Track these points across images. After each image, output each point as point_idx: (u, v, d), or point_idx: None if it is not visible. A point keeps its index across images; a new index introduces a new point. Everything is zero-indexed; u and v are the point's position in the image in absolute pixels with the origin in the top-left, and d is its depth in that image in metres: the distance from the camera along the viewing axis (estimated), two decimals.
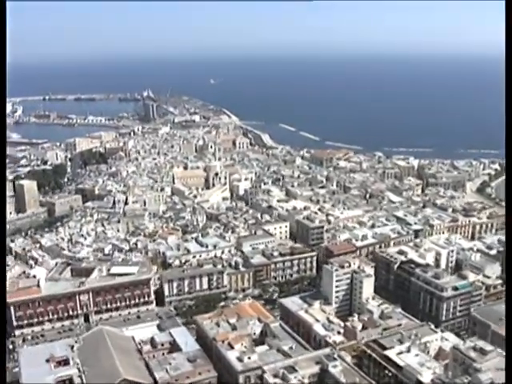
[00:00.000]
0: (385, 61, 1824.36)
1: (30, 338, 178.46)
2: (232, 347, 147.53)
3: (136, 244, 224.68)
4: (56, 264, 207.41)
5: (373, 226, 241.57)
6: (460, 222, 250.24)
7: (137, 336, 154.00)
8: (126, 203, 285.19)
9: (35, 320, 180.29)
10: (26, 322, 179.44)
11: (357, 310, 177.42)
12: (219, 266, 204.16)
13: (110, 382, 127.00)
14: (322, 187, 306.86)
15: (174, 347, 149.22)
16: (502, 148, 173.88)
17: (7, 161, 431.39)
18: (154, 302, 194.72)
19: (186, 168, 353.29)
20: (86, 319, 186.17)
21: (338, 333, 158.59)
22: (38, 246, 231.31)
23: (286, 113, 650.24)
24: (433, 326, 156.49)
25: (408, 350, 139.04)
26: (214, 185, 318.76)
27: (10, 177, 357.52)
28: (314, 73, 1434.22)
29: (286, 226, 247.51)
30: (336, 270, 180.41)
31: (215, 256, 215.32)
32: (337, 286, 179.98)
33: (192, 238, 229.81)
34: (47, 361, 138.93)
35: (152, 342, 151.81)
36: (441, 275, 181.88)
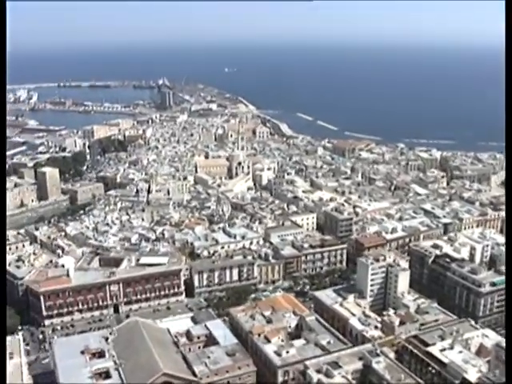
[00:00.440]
0: (399, 50, 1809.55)
1: (59, 328, 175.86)
2: (269, 341, 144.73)
3: (163, 234, 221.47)
4: (83, 253, 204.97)
5: (400, 219, 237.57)
6: (489, 215, 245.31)
7: (171, 328, 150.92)
8: (148, 192, 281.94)
9: (65, 310, 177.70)
10: (55, 311, 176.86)
11: (391, 305, 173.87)
12: (249, 258, 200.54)
13: (150, 376, 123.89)
14: (347, 178, 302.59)
15: (211, 340, 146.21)
16: None
17: (25, 147, 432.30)
18: (184, 293, 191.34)
19: (207, 157, 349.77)
20: (116, 310, 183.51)
21: (375, 327, 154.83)
22: (63, 234, 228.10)
23: (302, 102, 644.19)
24: (473, 322, 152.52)
25: (451, 347, 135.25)
26: (237, 174, 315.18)
27: (29, 164, 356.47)
28: (330, 62, 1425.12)
29: (313, 218, 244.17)
30: (371, 264, 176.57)
31: (243, 247, 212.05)
32: (372, 280, 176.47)
33: (219, 228, 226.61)
34: (82, 352, 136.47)
35: (188, 334, 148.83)
36: (478, 270, 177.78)
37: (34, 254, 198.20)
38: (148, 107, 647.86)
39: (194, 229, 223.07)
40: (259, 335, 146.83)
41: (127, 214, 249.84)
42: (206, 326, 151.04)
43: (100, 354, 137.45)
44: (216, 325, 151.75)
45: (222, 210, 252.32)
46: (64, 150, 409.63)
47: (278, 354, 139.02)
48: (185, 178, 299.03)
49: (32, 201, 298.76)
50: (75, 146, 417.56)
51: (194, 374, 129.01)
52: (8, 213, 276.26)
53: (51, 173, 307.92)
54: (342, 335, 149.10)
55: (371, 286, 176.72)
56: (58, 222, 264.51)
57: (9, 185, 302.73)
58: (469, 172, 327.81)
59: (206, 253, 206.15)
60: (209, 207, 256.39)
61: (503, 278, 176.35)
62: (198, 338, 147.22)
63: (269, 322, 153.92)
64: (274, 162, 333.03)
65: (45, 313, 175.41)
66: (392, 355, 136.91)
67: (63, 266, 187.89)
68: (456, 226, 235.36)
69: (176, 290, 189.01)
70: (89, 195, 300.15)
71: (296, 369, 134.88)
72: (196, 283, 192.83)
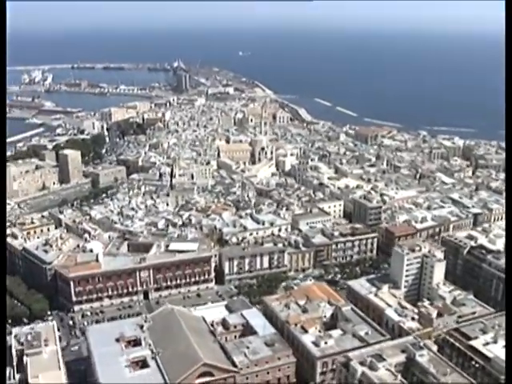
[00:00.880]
0: (415, 36, 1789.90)
1: (89, 313, 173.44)
2: (306, 331, 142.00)
3: (189, 219, 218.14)
4: (109, 237, 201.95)
5: (429, 208, 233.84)
6: None
7: (206, 317, 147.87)
8: (172, 176, 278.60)
9: (94, 296, 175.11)
10: (85, 297, 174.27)
11: (426, 296, 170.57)
12: (280, 245, 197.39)
13: (189, 366, 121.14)
14: (372, 166, 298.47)
15: (248, 330, 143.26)
16: None
17: (42, 129, 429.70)
18: (214, 280, 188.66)
19: (228, 141, 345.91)
20: (146, 296, 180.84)
21: (412, 319, 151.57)
22: (87, 218, 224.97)
23: (320, 87, 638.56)
24: None
25: (495, 341, 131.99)
26: (260, 159, 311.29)
27: (49, 146, 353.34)
28: (345, 47, 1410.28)
29: (340, 205, 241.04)
30: (407, 254, 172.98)
31: (272, 234, 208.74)
32: (407, 270, 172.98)
33: (246, 214, 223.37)
34: (117, 340, 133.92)
35: (224, 323, 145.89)
36: None
37: (61, 238, 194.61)
38: (164, 90, 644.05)
39: (221, 215, 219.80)
40: (296, 325, 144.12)
41: (152, 198, 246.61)
42: (242, 314, 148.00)
43: (135, 342, 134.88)
44: (252, 314, 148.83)
45: (248, 196, 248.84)
46: (82, 132, 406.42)
47: (316, 344, 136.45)
48: (208, 163, 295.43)
49: (54, 183, 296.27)
50: (93, 128, 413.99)
51: (234, 365, 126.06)
52: (30, 195, 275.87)
53: (73, 155, 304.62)
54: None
55: (406, 276, 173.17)
56: (81, 205, 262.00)
57: (30, 167, 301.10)
58: (494, 161, 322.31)
59: (234, 239, 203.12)
60: (234, 193, 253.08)
61: None
62: (235, 327, 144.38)
63: (304, 311, 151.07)
64: (296, 148, 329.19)
65: (74, 298, 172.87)
66: (434, 348, 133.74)
67: (91, 250, 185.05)
68: (486, 217, 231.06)
69: (206, 276, 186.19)
70: (111, 178, 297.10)
71: (335, 360, 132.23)
72: (226, 270, 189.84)
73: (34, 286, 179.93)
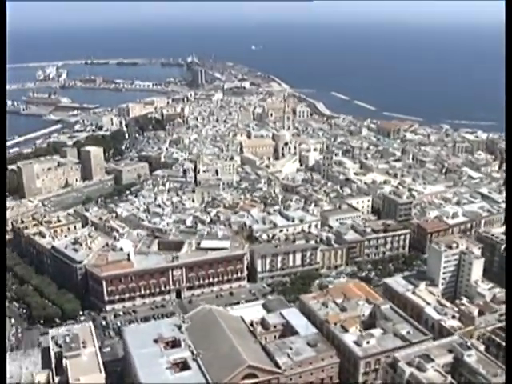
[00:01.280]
0: (428, 30, 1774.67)
1: (121, 313, 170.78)
2: (346, 330, 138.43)
3: (218, 216, 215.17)
4: (137, 235, 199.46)
5: (458, 203, 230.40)
6: None
7: (244, 316, 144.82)
8: (196, 172, 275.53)
9: (127, 295, 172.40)
10: (117, 297, 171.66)
11: (463, 293, 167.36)
12: (312, 242, 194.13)
13: (233, 369, 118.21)
14: (397, 160, 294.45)
15: (287, 329, 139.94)
16: None
17: (60, 126, 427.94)
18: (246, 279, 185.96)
19: (249, 136, 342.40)
20: (178, 295, 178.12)
21: (453, 317, 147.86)
22: (114, 215, 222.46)
23: (336, 81, 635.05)
24: None
25: None
26: (283, 155, 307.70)
27: (69, 142, 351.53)
28: (360, 39, 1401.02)
29: (368, 201, 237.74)
30: (445, 251, 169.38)
31: (302, 230, 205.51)
32: (444, 267, 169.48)
33: (274, 210, 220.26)
34: (155, 341, 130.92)
35: (263, 323, 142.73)
36: None
37: (90, 236, 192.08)
38: (180, 85, 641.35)
39: (249, 211, 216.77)
40: (335, 324, 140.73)
41: (177, 194, 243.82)
42: (281, 314, 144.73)
43: (174, 343, 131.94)
44: (292, 313, 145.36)
45: (274, 192, 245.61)
46: (101, 128, 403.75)
47: (358, 344, 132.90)
48: (231, 159, 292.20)
49: (76, 180, 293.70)
50: (112, 124, 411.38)
51: (278, 366, 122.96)
52: (53, 193, 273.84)
53: (95, 152, 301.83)
54: None
55: (443, 273, 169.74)
56: (105, 202, 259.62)
57: (52, 164, 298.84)
58: None
59: (264, 236, 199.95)
60: (260, 189, 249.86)
61: None
62: (275, 326, 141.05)
63: (342, 310, 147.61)
64: (319, 143, 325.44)
65: (106, 298, 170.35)
66: (482, 348, 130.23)
67: (121, 249, 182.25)
68: None
69: (239, 275, 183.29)
70: (134, 175, 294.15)
71: (378, 360, 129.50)
72: (259, 268, 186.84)
73: (64, 285, 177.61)
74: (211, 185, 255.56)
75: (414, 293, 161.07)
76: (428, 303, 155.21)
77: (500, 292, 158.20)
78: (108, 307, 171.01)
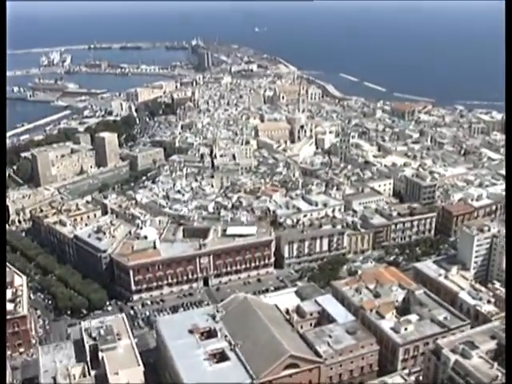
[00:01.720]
0: (438, 10, 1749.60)
1: (149, 302, 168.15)
2: (382, 316, 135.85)
3: (240, 201, 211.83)
4: (160, 222, 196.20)
5: (480, 185, 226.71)
6: None
7: (277, 304, 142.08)
8: (212, 157, 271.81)
9: (154, 284, 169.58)
10: (144, 286, 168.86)
11: (495, 277, 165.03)
12: (338, 227, 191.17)
13: (275, 359, 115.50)
14: (415, 142, 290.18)
15: (324, 317, 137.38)
16: None
17: (68, 111, 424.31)
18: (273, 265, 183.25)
19: (262, 120, 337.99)
20: (206, 283, 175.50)
21: (488, 302, 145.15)
22: (133, 202, 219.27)
23: (343, 62, 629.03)
24: None
25: None
26: (299, 138, 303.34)
27: (80, 128, 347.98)
28: (370, 22, 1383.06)
29: (390, 184, 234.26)
30: (477, 234, 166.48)
31: (326, 215, 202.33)
32: (476, 251, 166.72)
33: (296, 195, 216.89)
34: (190, 332, 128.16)
35: (298, 311, 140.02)
36: None
37: (112, 224, 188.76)
38: (186, 68, 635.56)
39: (271, 196, 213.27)
40: (371, 310, 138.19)
41: (196, 180, 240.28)
42: (316, 301, 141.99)
43: (210, 334, 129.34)
44: (327, 300, 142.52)
45: (294, 176, 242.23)
46: (110, 113, 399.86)
47: (396, 331, 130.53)
48: (247, 143, 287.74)
49: (91, 167, 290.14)
50: (121, 109, 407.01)
51: (318, 355, 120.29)
52: (68, 180, 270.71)
53: (110, 138, 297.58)
54: None
55: (475, 257, 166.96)
56: (122, 189, 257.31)
57: (65, 151, 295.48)
58: None
59: (289, 221, 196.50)
60: (280, 173, 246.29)
61: None
62: (311, 314, 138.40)
63: (376, 296, 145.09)
64: (334, 126, 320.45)
65: (133, 287, 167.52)
66: None
67: (146, 237, 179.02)
68: None
69: (266, 261, 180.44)
70: (149, 161, 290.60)
71: (417, 347, 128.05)
72: (286, 254, 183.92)
73: (88, 274, 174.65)
74: (230, 169, 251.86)
75: (446, 277, 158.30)
76: (462, 288, 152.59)
77: None
78: (135, 297, 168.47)
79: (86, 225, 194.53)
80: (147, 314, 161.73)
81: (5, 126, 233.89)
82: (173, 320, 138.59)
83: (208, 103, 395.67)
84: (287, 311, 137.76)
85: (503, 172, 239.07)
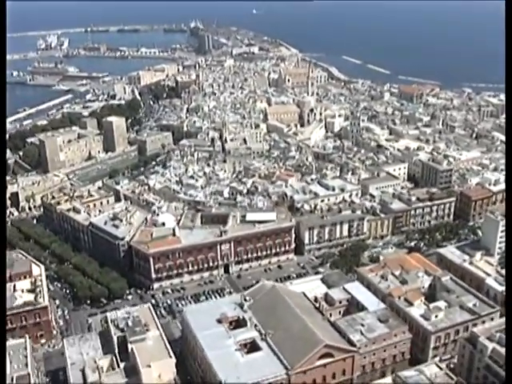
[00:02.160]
0: None
1: (170, 291, 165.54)
2: (411, 304, 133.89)
3: (255, 187, 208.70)
4: (175, 208, 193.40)
5: (495, 169, 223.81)
6: None
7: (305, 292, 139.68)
8: (222, 141, 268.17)
9: (174, 272, 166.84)
10: (165, 274, 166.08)
11: None
12: (358, 212, 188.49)
13: (310, 349, 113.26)
14: (426, 126, 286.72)
15: (353, 305, 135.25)
16: None
17: (70, 96, 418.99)
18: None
19: (269, 103, 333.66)
20: (226, 270, 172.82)
21: None
22: (146, 188, 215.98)
23: (345, 44, 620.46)
24: None
25: None
26: (308, 121, 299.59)
27: (84, 113, 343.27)
28: (366, 3, 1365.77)
29: (405, 168, 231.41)
30: (502, 220, 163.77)
31: (343, 200, 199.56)
32: (501, 237, 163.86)
33: (312, 179, 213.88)
34: (219, 321, 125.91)
35: (327, 298, 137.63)
36: None
37: (128, 210, 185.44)
38: (186, 51, 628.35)
39: (287, 181, 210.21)
40: (399, 298, 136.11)
41: (208, 165, 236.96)
42: (344, 288, 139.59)
43: (238, 323, 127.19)
44: (356, 287, 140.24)
45: (307, 160, 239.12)
46: (113, 97, 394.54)
47: (426, 318, 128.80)
48: (257, 126, 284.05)
49: (99, 152, 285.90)
50: (125, 92, 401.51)
51: (352, 344, 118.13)
52: (77, 166, 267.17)
53: (117, 122, 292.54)
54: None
55: (499, 242, 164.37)
56: (131, 174, 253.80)
57: (72, 136, 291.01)
58: None
59: (306, 207, 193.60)
60: (293, 157, 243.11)
61: None
62: (340, 302, 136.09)
63: (403, 282, 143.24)
64: (343, 109, 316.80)
65: (154, 275, 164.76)
66: None
67: (163, 224, 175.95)
68: None
69: (287, 247, 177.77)
70: (158, 145, 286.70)
71: (448, 334, 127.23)
72: (306, 240, 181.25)
73: (105, 263, 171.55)
74: (241, 154, 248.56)
75: (471, 263, 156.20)
76: (488, 274, 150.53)
77: None
78: (155, 285, 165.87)
79: (100, 211, 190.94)
80: (169, 302, 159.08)
81: (5, 123, 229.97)
82: (200, 309, 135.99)
83: (213, 86, 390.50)
84: (315, 299, 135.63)
85: None
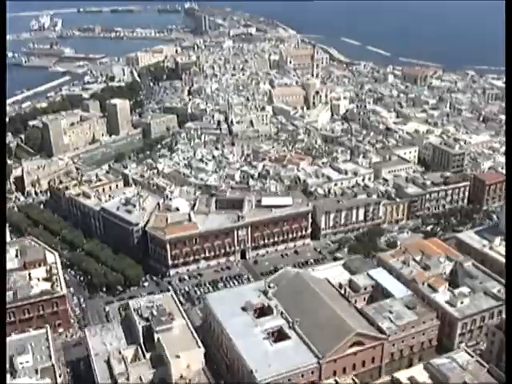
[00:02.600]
0: None
1: (186, 277, 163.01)
2: (435, 290, 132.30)
3: (267, 170, 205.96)
4: (187, 192, 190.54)
5: None
6: None
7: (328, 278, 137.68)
8: (227, 124, 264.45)
9: (191, 258, 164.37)
10: (181, 260, 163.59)
11: None
12: (374, 196, 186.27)
13: (341, 337, 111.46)
14: (433, 108, 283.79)
15: (378, 291, 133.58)
16: None
17: (68, 77, 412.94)
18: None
19: (272, 85, 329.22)
20: (243, 256, 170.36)
21: None
22: (155, 172, 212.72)
23: (344, 25, 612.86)
24: None
25: None
26: (314, 104, 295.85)
27: (84, 95, 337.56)
28: None
29: (415, 151, 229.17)
30: None
31: (357, 184, 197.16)
32: None
33: (323, 163, 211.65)
34: (243, 309, 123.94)
35: (351, 285, 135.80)
36: None
37: (140, 195, 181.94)
38: (183, 32, 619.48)
39: (298, 165, 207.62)
40: (423, 284, 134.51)
41: (216, 148, 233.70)
42: (368, 275, 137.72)
43: (263, 311, 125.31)
44: (380, 273, 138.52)
45: (316, 143, 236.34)
46: (112, 79, 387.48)
47: (452, 304, 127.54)
48: (263, 109, 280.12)
49: (103, 135, 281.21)
50: (123, 74, 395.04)
51: (382, 332, 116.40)
52: (81, 149, 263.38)
53: (121, 105, 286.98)
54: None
55: None
56: (137, 157, 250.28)
57: (74, 119, 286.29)
58: None
59: (320, 191, 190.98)
60: (302, 140, 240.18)
61: None
62: (365, 288, 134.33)
63: (425, 268, 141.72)
64: (347, 91, 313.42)
65: (170, 262, 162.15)
66: None
67: (177, 209, 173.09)
68: None
69: (303, 232, 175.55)
70: (162, 128, 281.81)
71: (474, 320, 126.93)
72: (322, 225, 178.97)
73: (119, 249, 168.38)
74: (249, 137, 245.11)
75: (491, 248, 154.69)
76: None
77: None
78: (172, 271, 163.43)
79: (110, 196, 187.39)
80: (186, 289, 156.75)
81: (5, 122, 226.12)
82: (223, 297, 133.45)
83: (213, 68, 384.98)
84: (340, 285, 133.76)
85: None
